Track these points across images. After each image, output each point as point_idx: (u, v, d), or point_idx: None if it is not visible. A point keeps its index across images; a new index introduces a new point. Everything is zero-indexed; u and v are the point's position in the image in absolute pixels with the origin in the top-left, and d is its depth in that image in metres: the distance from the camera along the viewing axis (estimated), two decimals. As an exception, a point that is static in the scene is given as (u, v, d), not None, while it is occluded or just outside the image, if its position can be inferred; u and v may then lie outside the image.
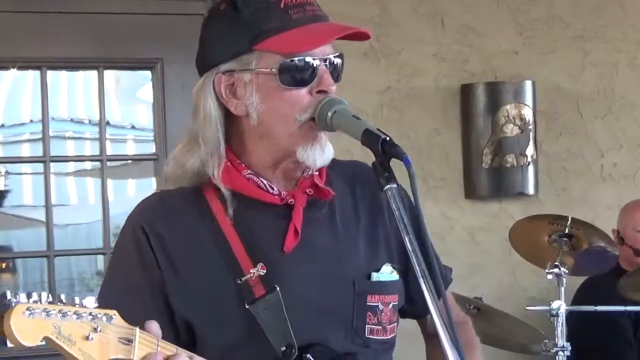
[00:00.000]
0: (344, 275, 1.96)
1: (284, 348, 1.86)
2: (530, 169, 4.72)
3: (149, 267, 1.91)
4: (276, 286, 1.87)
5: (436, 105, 4.70)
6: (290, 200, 1.95)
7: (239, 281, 1.88)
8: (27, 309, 1.54)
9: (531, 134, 4.71)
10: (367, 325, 1.96)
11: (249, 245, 1.91)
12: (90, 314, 1.60)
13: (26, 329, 1.54)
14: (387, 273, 2.01)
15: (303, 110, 1.90)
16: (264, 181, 1.95)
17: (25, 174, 5.48)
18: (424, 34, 4.67)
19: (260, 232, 1.94)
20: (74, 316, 1.58)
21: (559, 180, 4.86)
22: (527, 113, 4.70)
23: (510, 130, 4.67)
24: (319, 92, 1.91)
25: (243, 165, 1.95)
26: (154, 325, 1.70)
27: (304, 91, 1.91)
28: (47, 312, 1.56)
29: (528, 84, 4.73)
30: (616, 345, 4.30)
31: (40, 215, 4.51)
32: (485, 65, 4.75)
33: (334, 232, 2.00)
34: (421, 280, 1.74)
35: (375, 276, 1.99)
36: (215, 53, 1.94)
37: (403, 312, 2.08)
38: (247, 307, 1.86)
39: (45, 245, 4.42)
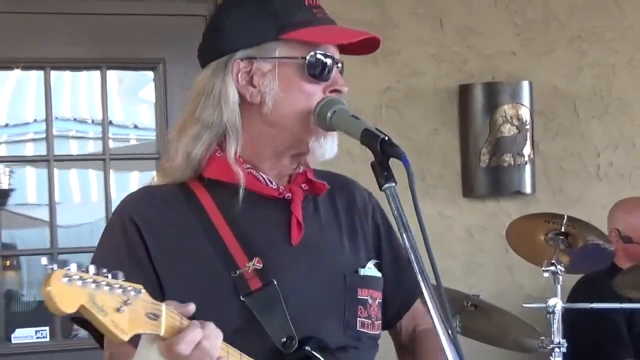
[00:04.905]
0: (334, 269, 1.99)
1: (284, 339, 1.87)
2: (527, 168, 4.74)
3: (138, 257, 1.90)
4: (273, 280, 1.88)
5: (435, 106, 4.71)
6: (288, 194, 1.97)
7: (233, 274, 1.88)
8: (65, 275, 1.50)
9: (528, 134, 4.72)
10: (358, 319, 1.98)
11: (243, 238, 1.92)
12: (120, 286, 1.58)
13: (65, 295, 1.50)
14: (373, 269, 2.04)
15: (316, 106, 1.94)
16: (263, 175, 1.97)
17: (31, 164, 5.50)
18: (423, 34, 4.68)
19: (256, 225, 1.94)
20: (106, 287, 1.55)
21: (556, 179, 4.88)
22: (524, 113, 4.72)
23: (508, 130, 4.69)
24: (333, 91, 1.95)
25: (241, 159, 1.96)
26: (173, 303, 1.70)
27: (319, 87, 1.95)
28: (83, 280, 1.52)
29: (525, 85, 4.75)
30: (611, 342, 4.31)
31: (44, 213, 4.53)
32: (483, 66, 4.76)
33: (322, 228, 2.02)
34: (420, 278, 1.76)
35: (362, 271, 2.02)
36: (235, 39, 1.95)
37: None
38: (242, 299, 1.87)
39: (49, 243, 4.44)
